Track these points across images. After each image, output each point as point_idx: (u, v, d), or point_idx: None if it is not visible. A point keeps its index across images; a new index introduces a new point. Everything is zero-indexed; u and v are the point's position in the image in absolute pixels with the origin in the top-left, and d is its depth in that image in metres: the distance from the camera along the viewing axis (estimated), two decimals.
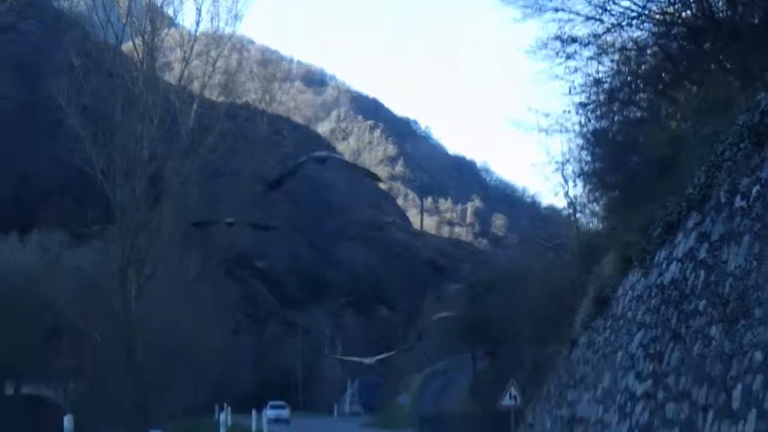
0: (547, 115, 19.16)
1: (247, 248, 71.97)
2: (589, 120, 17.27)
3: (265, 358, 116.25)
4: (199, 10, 53.73)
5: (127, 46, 55.43)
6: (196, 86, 53.16)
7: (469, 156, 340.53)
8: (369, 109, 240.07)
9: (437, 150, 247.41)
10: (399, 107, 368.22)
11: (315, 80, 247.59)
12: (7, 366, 75.02)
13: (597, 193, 20.16)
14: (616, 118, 16.64)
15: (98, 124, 49.22)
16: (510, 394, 41.36)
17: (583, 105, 16.58)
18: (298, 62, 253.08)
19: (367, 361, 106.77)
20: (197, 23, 53.84)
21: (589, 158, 18.99)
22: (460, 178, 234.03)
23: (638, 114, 15.87)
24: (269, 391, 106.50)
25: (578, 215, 32.08)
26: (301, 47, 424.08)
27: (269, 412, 77.06)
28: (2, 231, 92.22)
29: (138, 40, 51.19)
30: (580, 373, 15.26)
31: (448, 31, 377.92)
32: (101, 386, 60.34)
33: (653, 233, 10.60)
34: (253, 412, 58.24)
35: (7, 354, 72.49)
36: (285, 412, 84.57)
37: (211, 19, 55.30)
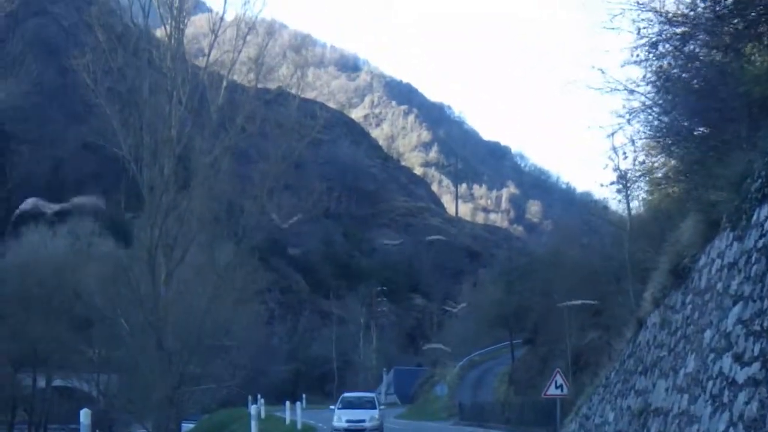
0: (603, 71, 17.20)
1: (281, 235, 70.51)
2: (661, 65, 15.41)
3: (299, 348, 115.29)
4: None
5: (154, 28, 54.43)
6: (226, 62, 51.82)
7: (503, 142, 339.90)
8: (402, 94, 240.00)
9: (471, 136, 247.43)
10: (432, 93, 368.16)
11: (348, 65, 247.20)
12: (39, 358, 74.37)
13: (671, 149, 18.12)
14: (692, 64, 14.81)
15: (125, 103, 48.18)
16: (556, 383, 40.00)
17: (653, 45, 14.69)
18: (332, 47, 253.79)
19: None
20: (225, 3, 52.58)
21: (656, 110, 17.03)
22: (494, 164, 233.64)
23: (719, 56, 14.07)
24: (304, 381, 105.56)
25: (629, 188, 30.32)
26: (334, 32, 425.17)
27: (339, 414, 45.90)
28: (32, 220, 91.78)
29: (164, 10, 49.89)
30: (651, 358, 13.44)
31: (482, 16, 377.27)
32: (131, 377, 59.18)
33: (750, 187, 8.76)
34: (287, 404, 56.94)
35: (38, 345, 71.83)
36: (371, 416, 45.89)
37: (243, 4, 53.63)
